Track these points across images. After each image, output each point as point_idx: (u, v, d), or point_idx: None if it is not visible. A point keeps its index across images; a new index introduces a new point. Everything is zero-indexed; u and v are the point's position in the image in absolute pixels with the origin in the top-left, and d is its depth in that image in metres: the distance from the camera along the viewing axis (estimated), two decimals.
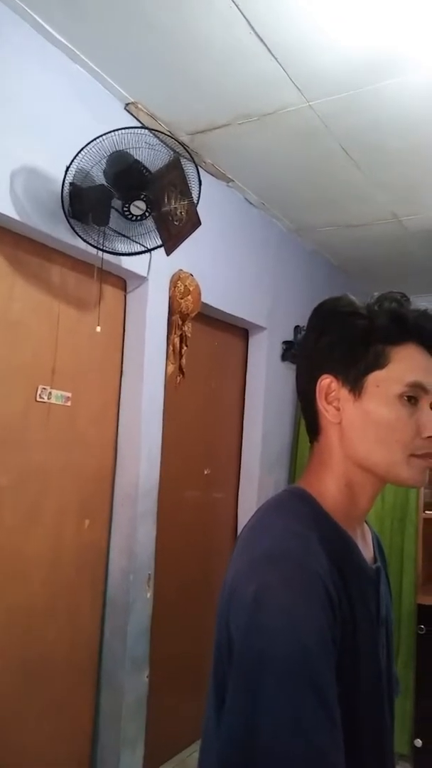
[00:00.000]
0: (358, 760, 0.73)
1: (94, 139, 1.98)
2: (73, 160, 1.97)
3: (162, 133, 2.15)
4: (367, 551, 0.89)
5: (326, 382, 0.84)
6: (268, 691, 0.64)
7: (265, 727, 0.62)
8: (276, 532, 0.78)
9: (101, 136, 1.98)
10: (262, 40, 1.89)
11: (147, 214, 2.04)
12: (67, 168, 1.96)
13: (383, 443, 0.80)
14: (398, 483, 0.82)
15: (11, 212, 1.87)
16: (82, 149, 1.98)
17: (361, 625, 0.77)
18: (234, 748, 0.64)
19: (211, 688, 0.79)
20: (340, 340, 0.83)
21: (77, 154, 1.97)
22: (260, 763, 0.62)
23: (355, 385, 0.82)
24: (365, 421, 0.81)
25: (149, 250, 2.19)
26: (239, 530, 2.71)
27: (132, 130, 2.03)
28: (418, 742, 2.77)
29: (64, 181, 1.96)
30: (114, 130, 1.99)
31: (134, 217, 2.05)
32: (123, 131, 2.01)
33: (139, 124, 2.31)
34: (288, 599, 0.68)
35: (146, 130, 2.09)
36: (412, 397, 0.80)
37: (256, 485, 3.28)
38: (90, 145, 1.98)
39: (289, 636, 0.66)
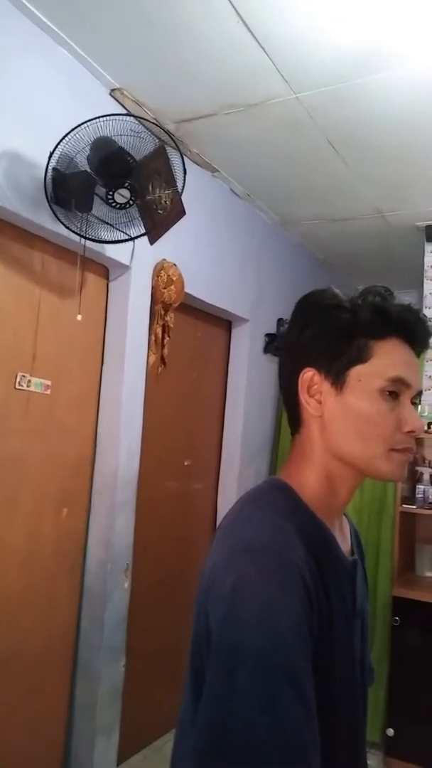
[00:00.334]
0: (333, 751, 0.74)
1: (79, 125, 1.96)
2: (56, 146, 1.94)
3: (147, 120, 2.12)
4: (345, 543, 0.89)
5: (309, 375, 0.84)
6: (245, 682, 0.64)
7: (241, 719, 0.63)
8: (255, 523, 0.78)
9: (86, 122, 1.96)
10: (249, 29, 1.88)
11: (131, 202, 2.03)
12: (51, 153, 1.93)
13: (364, 437, 0.80)
14: (377, 477, 0.83)
15: None
16: (66, 135, 1.95)
17: (336, 617, 0.78)
18: (210, 738, 0.64)
19: (189, 678, 0.79)
20: (324, 333, 0.83)
21: (61, 140, 1.95)
22: (237, 755, 0.62)
23: (337, 378, 0.82)
24: (346, 414, 0.81)
25: (132, 239, 2.17)
26: (219, 521, 2.72)
27: (117, 117, 2.00)
28: (390, 732, 2.82)
29: (47, 166, 1.93)
30: (99, 117, 1.97)
31: (118, 205, 2.03)
32: (108, 118, 1.98)
33: (125, 111, 2.28)
34: (266, 591, 0.68)
35: (131, 118, 2.07)
36: (394, 391, 0.80)
37: (236, 477, 3.29)
38: (74, 131, 1.96)
39: (267, 628, 0.66)
